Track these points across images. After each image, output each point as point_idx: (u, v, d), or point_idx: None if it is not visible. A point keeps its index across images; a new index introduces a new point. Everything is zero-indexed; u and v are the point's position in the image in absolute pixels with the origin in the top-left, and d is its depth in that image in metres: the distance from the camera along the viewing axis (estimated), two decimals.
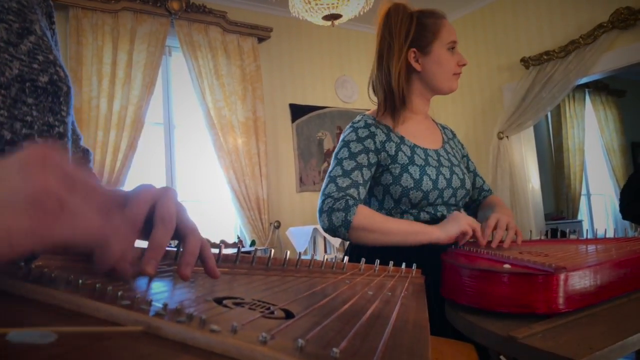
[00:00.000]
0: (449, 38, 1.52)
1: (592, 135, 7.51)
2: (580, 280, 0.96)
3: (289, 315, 0.42)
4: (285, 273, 0.66)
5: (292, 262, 0.69)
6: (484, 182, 1.75)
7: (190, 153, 4.48)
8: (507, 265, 1.04)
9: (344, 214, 1.30)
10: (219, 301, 0.42)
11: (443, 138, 1.65)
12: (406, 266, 1.02)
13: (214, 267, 0.51)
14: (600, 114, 7.51)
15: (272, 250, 0.64)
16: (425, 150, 1.52)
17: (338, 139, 5.03)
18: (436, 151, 1.55)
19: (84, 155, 0.93)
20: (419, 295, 0.75)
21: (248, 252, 0.64)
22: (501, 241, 1.34)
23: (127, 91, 3.87)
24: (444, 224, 1.36)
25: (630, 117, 7.83)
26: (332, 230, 1.33)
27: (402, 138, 1.50)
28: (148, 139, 4.22)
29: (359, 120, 1.52)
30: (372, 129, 1.48)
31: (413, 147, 1.50)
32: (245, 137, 4.34)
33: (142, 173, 4.15)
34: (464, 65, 1.55)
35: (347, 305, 0.51)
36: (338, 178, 1.38)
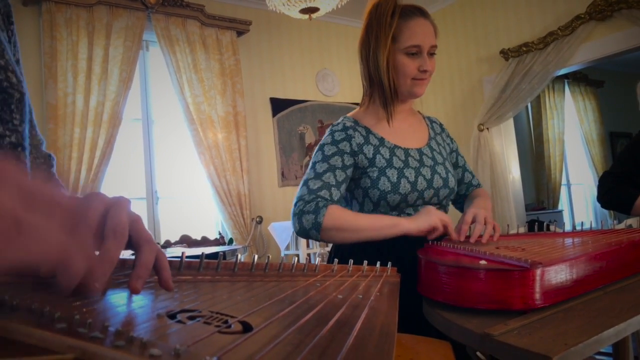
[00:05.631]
0: (409, 42, 1.43)
1: (572, 126, 7.59)
2: (557, 275, 0.96)
3: (246, 328, 0.41)
4: (253, 278, 0.64)
5: (260, 266, 0.67)
6: (473, 176, 1.73)
7: (170, 149, 4.42)
8: (483, 262, 1.03)
9: (313, 216, 1.30)
10: (172, 316, 0.40)
11: (429, 134, 1.62)
12: (383, 264, 1.00)
13: (169, 279, 0.49)
14: (579, 104, 7.58)
15: (239, 256, 0.62)
16: (406, 150, 1.50)
17: (319, 133, 5.02)
18: (419, 150, 1.53)
19: (46, 161, 0.89)
20: (391, 296, 0.74)
21: (215, 257, 0.62)
22: (480, 236, 1.33)
23: (104, 87, 3.80)
24: (415, 216, 1.36)
25: (609, 107, 7.92)
26: (303, 233, 1.33)
27: (381, 140, 1.49)
28: (126, 135, 4.15)
29: (338, 123, 1.52)
30: (350, 132, 1.47)
31: (393, 149, 1.48)
32: (225, 132, 4.29)
33: (120, 170, 4.09)
34: (425, 71, 1.46)
35: (312, 313, 0.50)
36: (310, 181, 1.38)
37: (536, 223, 1.65)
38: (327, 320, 0.48)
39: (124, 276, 0.51)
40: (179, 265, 0.57)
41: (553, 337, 0.77)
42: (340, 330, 0.46)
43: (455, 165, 1.70)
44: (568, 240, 1.33)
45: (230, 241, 3.01)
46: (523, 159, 5.92)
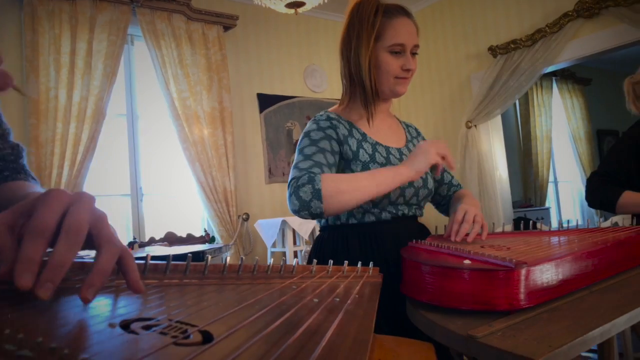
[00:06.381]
0: (393, 40, 1.42)
1: (559, 123, 7.62)
2: (542, 275, 0.95)
3: (206, 339, 0.38)
4: (224, 281, 0.61)
5: (233, 268, 0.64)
6: (452, 177, 1.72)
7: (155, 145, 4.36)
8: (467, 261, 1.02)
9: (310, 186, 1.23)
10: (126, 326, 0.37)
11: (406, 137, 1.63)
12: (366, 264, 0.98)
13: (137, 281, 0.46)
14: (567, 101, 7.61)
15: (209, 257, 0.59)
16: (387, 148, 1.49)
17: None
18: (399, 149, 1.53)
19: (14, 151, 0.86)
20: (371, 298, 0.71)
21: (183, 259, 0.59)
22: (466, 234, 1.31)
23: (88, 81, 3.73)
24: (411, 159, 1.33)
25: (596, 105, 7.96)
26: (305, 207, 1.24)
27: (364, 135, 1.48)
28: (110, 130, 4.09)
29: (321, 115, 1.50)
30: (334, 122, 1.46)
31: (375, 145, 1.47)
32: (211, 128, 4.24)
33: (104, 166, 4.03)
34: (408, 70, 1.45)
35: (282, 319, 0.47)
36: (299, 163, 1.35)
37: (522, 221, 1.64)
38: (298, 326, 0.45)
39: (79, 281, 0.47)
40: (143, 268, 0.54)
41: (537, 338, 0.76)
42: (311, 338, 0.43)
43: (433, 167, 1.70)
44: (554, 239, 1.32)
45: (212, 240, 2.92)
46: (511, 156, 5.94)
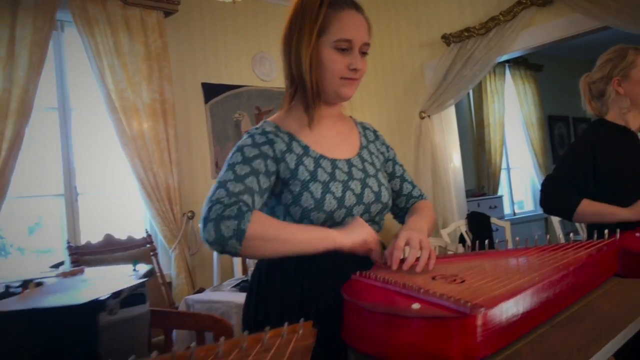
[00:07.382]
0: (339, 35, 1.28)
1: (512, 110, 7.65)
2: (501, 316, 0.82)
3: None
4: None
5: None
6: (413, 187, 1.56)
7: (91, 140, 4.05)
8: (415, 305, 0.88)
9: (236, 222, 1.07)
10: None
11: (361, 142, 1.46)
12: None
13: None
14: (519, 88, 7.64)
15: None
16: (333, 161, 1.33)
17: (257, 120, 4.76)
18: (348, 161, 1.36)
19: None
20: None
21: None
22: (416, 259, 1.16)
23: (10, 72, 3.39)
24: (348, 228, 1.21)
25: (548, 91, 8.04)
26: (219, 243, 1.08)
27: (305, 148, 1.32)
28: (40, 126, 3.76)
29: (257, 127, 1.35)
30: (271, 136, 1.30)
31: (318, 159, 1.31)
32: (151, 121, 3.97)
33: (34, 165, 3.72)
34: (355, 70, 1.30)
35: None
36: (229, 183, 1.17)
37: (477, 241, 1.52)
38: None
39: None
40: None
41: None
42: None
43: (392, 176, 1.54)
44: (512, 262, 1.20)
45: (135, 262, 2.59)
46: (464, 144, 5.90)
